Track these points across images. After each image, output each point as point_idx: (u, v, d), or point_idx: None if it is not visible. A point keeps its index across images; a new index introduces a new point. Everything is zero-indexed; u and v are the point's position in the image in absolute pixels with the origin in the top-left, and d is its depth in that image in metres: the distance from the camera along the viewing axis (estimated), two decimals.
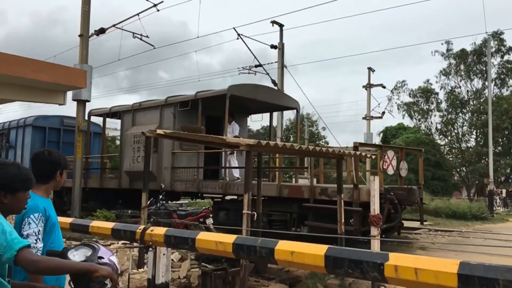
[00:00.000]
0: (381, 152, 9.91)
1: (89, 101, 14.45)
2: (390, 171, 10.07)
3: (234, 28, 20.51)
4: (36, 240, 2.63)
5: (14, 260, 1.96)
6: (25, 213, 2.66)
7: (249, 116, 14.80)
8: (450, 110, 34.77)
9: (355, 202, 8.69)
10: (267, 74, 22.53)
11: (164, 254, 4.25)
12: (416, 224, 13.11)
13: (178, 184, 12.29)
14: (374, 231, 6.09)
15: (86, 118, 14.81)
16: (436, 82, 35.59)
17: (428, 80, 36.13)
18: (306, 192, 9.64)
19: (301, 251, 2.43)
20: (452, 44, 33.96)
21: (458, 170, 35.20)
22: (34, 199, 2.74)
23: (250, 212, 5.93)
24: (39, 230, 2.67)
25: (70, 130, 16.38)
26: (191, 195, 13.80)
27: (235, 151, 11.62)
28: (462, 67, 34.34)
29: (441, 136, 36.02)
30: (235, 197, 11.16)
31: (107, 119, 15.41)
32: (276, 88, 13.88)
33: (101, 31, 15.90)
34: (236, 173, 12.15)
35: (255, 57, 21.85)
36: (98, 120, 16.75)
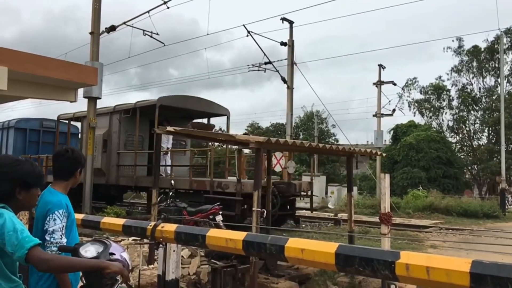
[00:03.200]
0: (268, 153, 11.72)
1: (100, 98, 14.55)
2: (278, 168, 12.24)
3: (244, 25, 20.51)
4: (61, 235, 2.68)
5: (25, 259, 1.98)
6: (49, 209, 2.70)
7: (192, 121, 16.41)
8: (461, 108, 34.41)
9: (237, 193, 10.68)
10: (277, 71, 22.49)
11: (174, 251, 4.26)
12: (427, 222, 12.98)
13: (121, 180, 14.72)
14: (385, 229, 6.06)
15: (56, 122, 17.28)
16: (448, 79, 35.26)
17: (440, 77, 35.78)
18: (208, 185, 11.91)
19: (312, 249, 2.42)
20: (463, 41, 33.60)
21: (469, 168, 34.80)
22: (57, 196, 2.79)
23: (260, 209, 5.94)
24: (63, 226, 2.72)
25: (49, 131, 18.63)
26: (131, 189, 16.16)
27: (169, 152, 14.30)
28: (474, 64, 33.95)
29: (452, 134, 35.68)
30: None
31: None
32: (205, 98, 16.00)
33: (112, 28, 15.98)
34: (170, 170, 14.45)
35: (264, 54, 21.83)
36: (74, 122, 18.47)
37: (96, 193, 14.68)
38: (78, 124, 17.78)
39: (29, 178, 2.26)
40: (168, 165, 14.43)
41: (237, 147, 11.70)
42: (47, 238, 2.65)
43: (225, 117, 15.90)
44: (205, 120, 16.71)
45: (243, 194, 10.65)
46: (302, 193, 13.01)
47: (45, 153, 17.32)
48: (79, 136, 17.79)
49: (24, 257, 1.97)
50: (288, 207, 11.65)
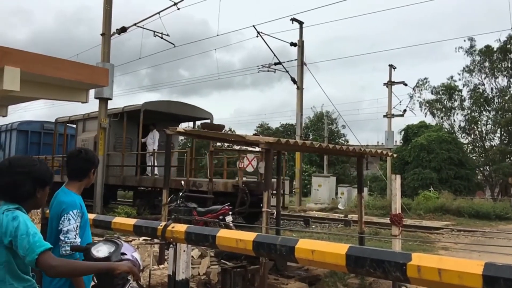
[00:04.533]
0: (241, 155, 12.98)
1: (111, 99, 14.66)
2: (250, 169, 12.92)
3: (254, 26, 20.56)
4: (75, 235, 2.71)
5: (35, 263, 2.00)
6: (63, 209, 2.73)
7: (178, 124, 17.39)
8: (473, 108, 34.05)
9: (209, 191, 11.89)
10: (287, 71, 22.49)
11: (184, 251, 4.27)
12: (438, 223, 12.89)
13: (111, 179, 15.66)
14: (396, 230, 6.01)
15: (54, 124, 18.36)
16: (459, 79, 34.93)
17: (451, 77, 35.45)
18: (184, 184, 12.60)
19: (322, 250, 2.41)
20: (475, 41, 33.26)
21: (481, 169, 34.41)
22: (71, 196, 2.81)
23: (269, 210, 5.93)
24: (77, 226, 2.75)
25: (49, 133, 19.33)
26: (119, 188, 17.42)
27: (155, 153, 15.23)
28: (486, 64, 33.58)
29: (464, 135, 35.33)
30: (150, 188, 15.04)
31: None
32: (188, 103, 17.08)
33: (123, 30, 16.10)
34: (156, 170, 15.22)
35: (274, 55, 21.85)
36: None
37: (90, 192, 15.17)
38: (76, 127, 18.72)
39: (46, 177, 2.31)
40: (149, 166, 15.71)
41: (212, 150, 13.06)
42: (61, 237, 2.68)
43: (208, 120, 16.74)
44: (191, 124, 17.70)
45: (214, 192, 12.08)
46: (274, 192, 13.37)
47: (46, 154, 18.17)
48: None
49: (34, 261, 1.99)
50: (261, 205, 12.13)
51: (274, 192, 13.43)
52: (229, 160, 17.14)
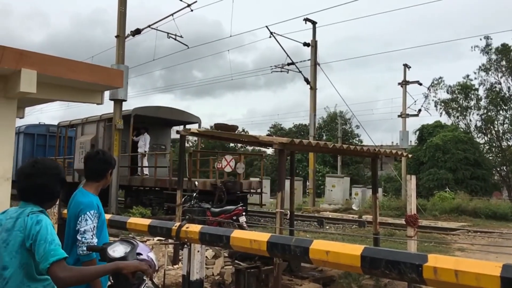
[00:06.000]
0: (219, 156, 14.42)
1: (125, 100, 14.80)
2: (228, 169, 14.01)
3: (267, 26, 20.54)
4: (92, 235, 2.75)
5: (47, 272, 2.04)
6: (81, 209, 2.77)
7: (172, 127, 19.13)
8: (490, 107, 33.54)
9: (188, 189, 12.49)
10: (300, 72, 22.42)
11: (198, 251, 4.29)
12: (454, 224, 12.69)
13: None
14: (411, 231, 5.96)
15: (56, 128, 19.69)
16: (475, 78, 34.44)
17: (467, 76, 34.96)
18: (167, 183, 14.20)
19: (337, 251, 2.40)
20: (491, 39, 32.76)
21: (498, 169, 33.88)
22: (89, 197, 2.86)
23: (283, 210, 5.92)
24: (94, 226, 2.79)
25: (54, 136, 20.41)
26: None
27: (146, 154, 16.41)
28: (503, 63, 33.05)
29: (480, 134, 34.81)
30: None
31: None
32: (176, 108, 18.22)
33: (137, 31, 16.22)
34: (146, 170, 16.39)
35: (287, 55, 21.81)
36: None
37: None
38: (75, 130, 19.89)
39: (65, 178, 2.39)
40: (139, 166, 16.92)
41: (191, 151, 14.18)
42: (79, 238, 2.72)
43: (197, 124, 18.08)
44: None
45: (193, 190, 12.92)
46: (252, 190, 15.04)
47: (51, 155, 19.17)
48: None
49: (46, 270, 2.03)
50: (240, 203, 12.80)
51: (253, 190, 15.18)
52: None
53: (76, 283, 2.17)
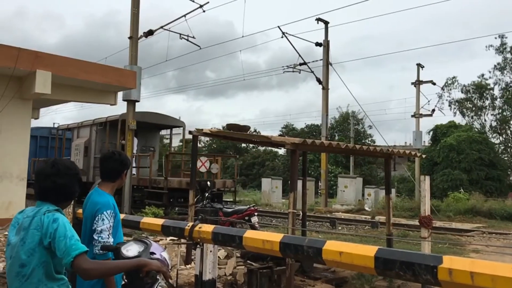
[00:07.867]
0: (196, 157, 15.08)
1: (138, 101, 14.89)
2: (203, 169, 15.19)
3: (279, 26, 20.52)
4: (108, 235, 2.78)
5: (71, 266, 2.07)
6: (98, 209, 2.80)
7: (160, 131, 20.42)
8: (505, 107, 33.09)
9: (164, 187, 14.43)
10: (312, 72, 22.36)
11: (211, 251, 4.30)
12: (469, 225, 12.56)
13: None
14: (425, 232, 5.89)
15: (56, 131, 20.84)
16: (490, 77, 34.01)
17: (482, 75, 34.54)
18: (148, 182, 15.63)
19: (350, 252, 2.39)
20: (506, 38, 32.33)
21: None
22: (105, 196, 2.89)
23: (295, 211, 5.91)
24: (111, 226, 2.82)
25: (55, 138, 21.30)
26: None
27: (135, 156, 16.74)
28: None
29: (495, 135, 34.36)
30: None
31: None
32: (161, 113, 18.97)
33: (150, 32, 16.31)
34: (133, 171, 16.59)
35: (299, 55, 21.76)
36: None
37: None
38: (72, 133, 20.90)
39: (82, 178, 2.43)
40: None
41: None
42: (95, 237, 2.75)
43: (181, 128, 19.06)
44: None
45: (169, 188, 14.57)
46: (226, 189, 16.72)
47: (52, 156, 19.86)
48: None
49: (70, 264, 2.06)
50: (216, 200, 13.53)
51: (228, 189, 16.52)
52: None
53: (100, 275, 2.19)
